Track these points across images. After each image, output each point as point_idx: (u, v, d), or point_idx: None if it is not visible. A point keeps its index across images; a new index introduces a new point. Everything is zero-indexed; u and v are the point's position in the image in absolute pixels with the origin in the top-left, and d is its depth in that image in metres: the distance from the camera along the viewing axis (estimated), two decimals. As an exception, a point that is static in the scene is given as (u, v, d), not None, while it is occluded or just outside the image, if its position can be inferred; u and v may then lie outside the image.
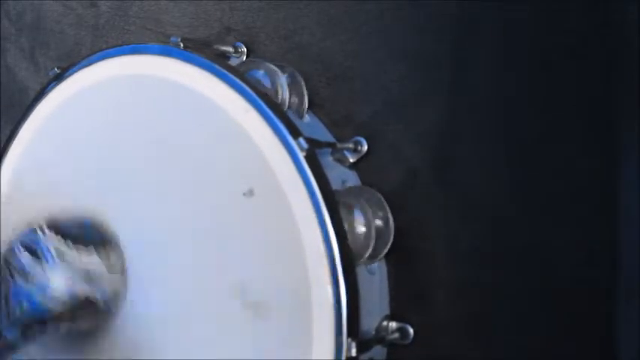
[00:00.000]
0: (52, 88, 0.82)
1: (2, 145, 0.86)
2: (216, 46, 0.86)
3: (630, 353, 0.70)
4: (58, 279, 0.72)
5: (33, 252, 0.72)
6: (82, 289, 0.73)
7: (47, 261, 0.72)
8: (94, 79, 0.80)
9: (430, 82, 0.79)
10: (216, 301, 0.71)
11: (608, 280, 0.70)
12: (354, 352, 0.65)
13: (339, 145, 0.79)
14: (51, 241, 0.72)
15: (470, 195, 0.76)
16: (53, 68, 0.83)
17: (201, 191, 0.73)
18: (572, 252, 0.72)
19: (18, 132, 0.84)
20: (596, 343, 0.71)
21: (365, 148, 0.80)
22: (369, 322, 0.74)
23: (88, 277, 0.73)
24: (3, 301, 0.71)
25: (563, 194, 0.72)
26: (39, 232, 0.73)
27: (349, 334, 0.65)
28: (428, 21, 0.78)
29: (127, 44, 0.79)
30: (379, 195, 0.78)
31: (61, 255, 0.72)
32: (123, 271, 0.76)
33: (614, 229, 0.70)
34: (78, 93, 0.81)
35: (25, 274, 0.71)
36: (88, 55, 0.81)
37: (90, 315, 0.75)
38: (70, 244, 0.73)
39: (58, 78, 0.82)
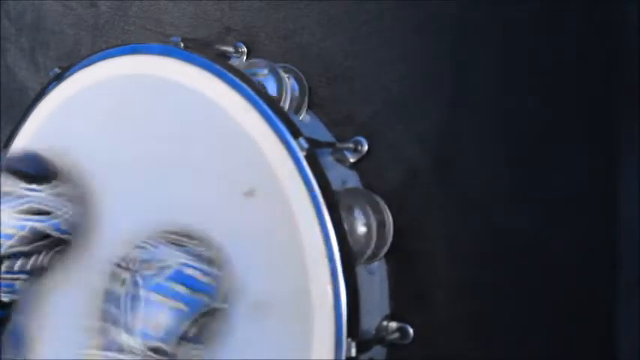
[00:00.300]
0: (52, 88, 0.82)
1: (2, 145, 0.86)
2: (216, 46, 0.86)
3: (630, 353, 0.70)
4: (4, 217, 0.70)
5: None
6: (31, 222, 0.71)
7: None
8: (94, 79, 0.80)
9: (430, 82, 0.79)
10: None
11: (608, 280, 0.70)
12: (353, 352, 0.65)
13: (339, 145, 0.79)
14: None
15: (470, 195, 0.77)
16: (53, 68, 0.83)
17: (201, 191, 0.73)
18: (572, 252, 0.72)
19: (18, 132, 0.84)
20: (596, 343, 0.71)
21: (365, 148, 0.80)
22: (369, 322, 0.74)
23: (34, 210, 0.71)
24: None
25: (563, 194, 0.72)
26: None
27: (349, 334, 0.65)
28: (428, 21, 0.78)
29: (126, 44, 0.79)
30: (379, 195, 0.78)
31: (7, 193, 0.70)
32: (80, 201, 0.74)
33: (614, 229, 0.70)
34: (78, 93, 0.81)
35: None
36: (88, 55, 0.81)
37: (46, 248, 0.74)
38: (10, 175, 0.71)
39: (58, 78, 0.82)
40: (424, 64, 0.79)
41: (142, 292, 0.66)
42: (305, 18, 0.85)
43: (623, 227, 0.70)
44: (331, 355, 0.65)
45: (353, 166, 0.80)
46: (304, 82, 0.83)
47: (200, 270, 0.67)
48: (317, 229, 0.66)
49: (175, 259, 0.67)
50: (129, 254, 0.68)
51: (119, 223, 0.77)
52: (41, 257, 0.73)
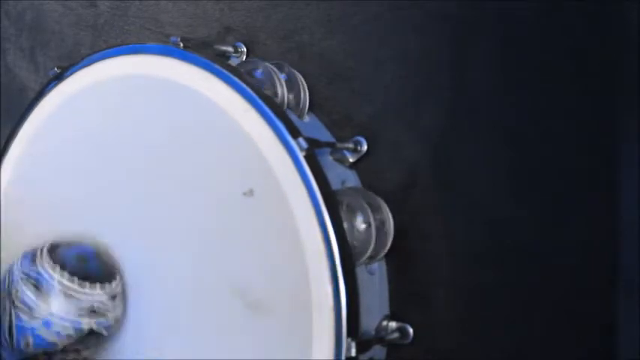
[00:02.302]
0: (52, 88, 0.82)
1: (2, 145, 0.86)
2: (216, 46, 0.86)
3: (630, 353, 0.70)
4: (62, 314, 0.72)
5: (35, 285, 0.72)
6: (87, 322, 0.73)
7: (50, 295, 0.72)
8: (94, 79, 0.80)
9: (430, 82, 0.78)
10: (216, 302, 0.71)
11: (608, 280, 0.70)
12: (353, 352, 0.65)
13: (338, 145, 0.79)
14: (54, 275, 0.72)
15: (470, 195, 0.76)
16: (53, 68, 0.83)
17: (201, 191, 0.73)
18: (572, 252, 0.72)
19: (18, 132, 0.84)
20: (596, 343, 0.71)
21: (365, 148, 0.80)
22: (369, 322, 0.74)
23: (92, 310, 0.73)
24: (7, 335, 0.72)
25: (563, 194, 0.72)
26: (40, 263, 0.73)
27: (349, 334, 0.65)
28: (428, 21, 0.78)
29: (126, 44, 0.79)
30: (379, 195, 0.78)
31: (64, 289, 0.72)
32: (124, 297, 0.76)
33: (614, 229, 0.70)
34: (78, 93, 0.81)
35: (28, 308, 0.71)
36: (88, 55, 0.81)
37: (93, 344, 0.75)
38: (75, 279, 0.72)
39: (58, 78, 0.82)
40: (424, 64, 0.79)
41: None
42: (305, 18, 0.85)
43: (623, 227, 0.70)
44: (331, 354, 0.65)
45: (353, 165, 0.80)
46: (303, 81, 0.83)
47: None
48: (316, 229, 0.66)
49: None
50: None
51: (115, 218, 0.77)
52: (89, 352, 0.76)
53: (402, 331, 0.77)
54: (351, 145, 0.80)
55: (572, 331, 0.72)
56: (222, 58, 0.84)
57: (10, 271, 0.74)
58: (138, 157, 0.77)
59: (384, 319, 0.77)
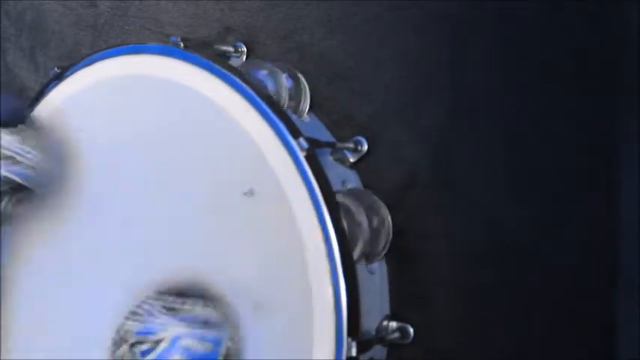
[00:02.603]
0: (52, 88, 0.82)
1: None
2: (216, 46, 0.86)
3: (630, 353, 0.70)
4: None
5: None
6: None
7: None
8: (94, 79, 0.80)
9: (430, 82, 0.79)
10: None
11: (608, 280, 0.70)
12: (354, 352, 0.65)
13: (339, 145, 0.79)
14: None
15: (470, 195, 0.77)
16: (53, 68, 0.83)
17: (201, 191, 0.73)
18: (572, 252, 0.72)
19: (18, 131, 0.84)
20: (596, 343, 0.71)
21: (365, 147, 0.80)
22: (370, 322, 0.74)
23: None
24: None
25: (563, 194, 0.73)
26: None
27: (349, 334, 0.65)
28: (428, 21, 0.78)
29: (126, 44, 0.79)
30: (379, 195, 0.78)
31: None
32: (44, 150, 0.75)
33: (614, 229, 0.70)
34: (78, 93, 0.81)
35: None
36: (88, 55, 0.81)
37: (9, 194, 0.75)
38: None
39: (58, 78, 0.82)
40: (424, 64, 0.79)
41: None
42: (305, 18, 0.85)
43: (623, 227, 0.70)
44: (332, 355, 0.65)
45: (353, 165, 0.80)
46: (304, 82, 0.83)
47: (196, 338, 0.67)
48: (317, 229, 0.66)
49: (169, 330, 0.67)
50: (124, 324, 0.69)
51: (115, 220, 0.77)
52: (3, 203, 0.74)
53: (402, 331, 0.77)
54: (351, 145, 0.80)
55: (572, 331, 0.72)
56: (223, 58, 0.84)
57: None
58: (138, 157, 0.77)
59: (384, 319, 0.77)
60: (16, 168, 0.73)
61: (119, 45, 0.80)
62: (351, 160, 0.80)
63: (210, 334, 0.68)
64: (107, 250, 0.77)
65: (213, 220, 0.72)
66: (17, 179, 0.73)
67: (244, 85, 0.72)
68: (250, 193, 0.69)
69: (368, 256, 0.75)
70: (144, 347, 0.67)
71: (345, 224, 0.72)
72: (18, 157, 0.73)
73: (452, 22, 0.77)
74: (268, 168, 0.69)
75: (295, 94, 0.82)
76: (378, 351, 0.76)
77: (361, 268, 0.73)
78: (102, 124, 0.79)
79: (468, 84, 0.77)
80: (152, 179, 0.75)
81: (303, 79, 0.83)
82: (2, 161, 0.72)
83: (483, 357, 0.76)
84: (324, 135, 0.81)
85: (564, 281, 0.72)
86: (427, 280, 0.78)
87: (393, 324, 0.77)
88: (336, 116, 0.83)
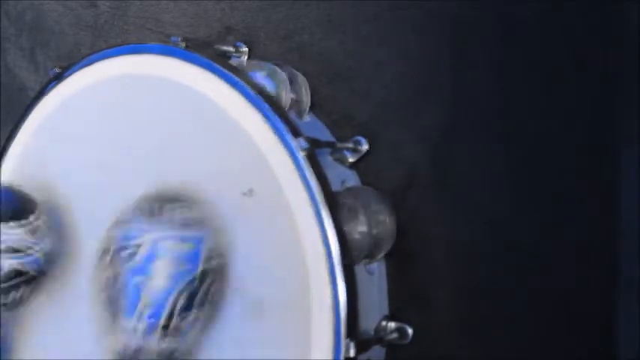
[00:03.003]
0: (52, 88, 0.82)
1: (2, 145, 0.86)
2: (216, 46, 0.86)
3: (630, 353, 0.70)
4: None
5: None
6: (8, 263, 0.72)
7: None
8: (94, 79, 0.80)
9: (430, 82, 0.79)
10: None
11: (608, 280, 0.70)
12: (352, 353, 0.65)
13: (338, 145, 0.79)
14: None
15: (470, 195, 0.76)
16: (53, 68, 0.83)
17: (200, 191, 0.73)
18: (572, 252, 0.72)
19: (18, 131, 0.84)
20: (596, 343, 0.71)
21: (365, 147, 0.80)
22: (368, 322, 0.74)
23: (12, 250, 0.72)
24: None
25: (563, 194, 0.73)
26: None
27: (348, 335, 0.65)
28: (428, 21, 0.78)
29: (126, 44, 0.79)
30: (379, 195, 0.78)
31: None
32: (52, 231, 0.75)
33: (614, 229, 0.70)
34: (78, 93, 0.81)
35: None
36: (88, 55, 0.81)
37: (25, 284, 0.75)
38: None
39: (58, 78, 0.82)
40: (424, 64, 0.79)
41: (122, 276, 0.68)
42: (305, 18, 0.85)
43: (623, 227, 0.70)
44: (330, 355, 0.65)
45: (353, 165, 0.80)
46: (305, 82, 0.83)
47: (175, 239, 0.68)
48: (316, 228, 0.66)
49: (148, 235, 0.68)
50: (109, 232, 0.71)
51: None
52: (20, 292, 0.75)
53: (401, 331, 0.77)
54: (351, 145, 0.80)
55: (572, 331, 0.72)
56: (223, 58, 0.84)
57: None
58: (138, 157, 0.77)
59: (383, 319, 0.77)
60: (26, 257, 0.73)
61: (119, 45, 0.80)
62: (351, 160, 0.80)
63: (190, 234, 0.68)
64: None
65: (213, 219, 0.72)
66: (31, 271, 0.74)
67: (245, 85, 0.72)
68: (250, 192, 0.69)
69: (368, 257, 0.75)
70: (126, 253, 0.69)
71: (348, 224, 0.72)
72: (29, 251, 0.73)
73: (452, 22, 0.77)
74: (268, 168, 0.69)
75: (296, 95, 0.82)
76: (377, 351, 0.76)
77: (360, 269, 0.73)
78: (102, 124, 0.79)
79: (468, 84, 0.77)
80: (152, 179, 0.75)
81: (303, 78, 0.83)
82: (13, 255, 0.72)
83: (483, 357, 0.76)
84: (324, 135, 0.81)
85: (564, 281, 0.72)
86: (426, 280, 0.78)
87: (392, 324, 0.77)
88: (336, 116, 0.83)
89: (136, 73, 0.78)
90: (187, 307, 0.67)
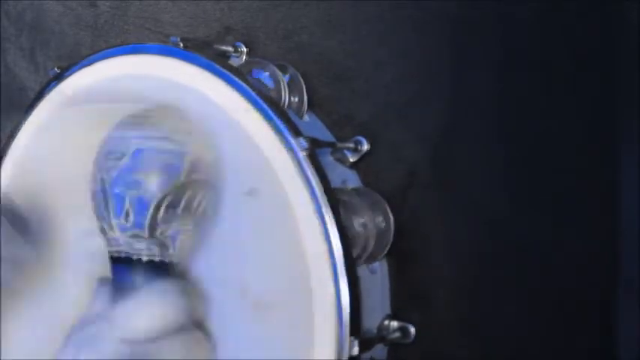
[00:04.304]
0: (52, 88, 0.82)
1: (2, 145, 0.85)
2: (216, 46, 0.86)
3: (630, 353, 0.70)
4: None
5: None
6: None
7: None
8: (94, 79, 0.80)
9: (430, 82, 0.79)
10: (217, 302, 0.71)
11: (608, 280, 0.70)
12: (355, 351, 0.65)
13: (339, 145, 0.79)
14: None
15: (470, 195, 0.77)
16: (53, 68, 0.83)
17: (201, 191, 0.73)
18: (572, 252, 0.72)
19: (17, 131, 0.84)
20: (596, 343, 0.71)
21: (365, 147, 0.80)
22: (371, 321, 0.74)
23: None
24: None
25: (563, 194, 0.73)
26: None
27: (351, 333, 0.65)
28: (428, 21, 0.78)
29: (126, 44, 0.79)
30: (379, 195, 0.78)
31: None
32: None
33: (614, 229, 0.70)
34: (78, 93, 0.81)
35: None
36: (88, 55, 0.81)
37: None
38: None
39: (58, 78, 0.82)
40: (424, 64, 0.79)
41: (107, 189, 0.71)
42: (305, 18, 0.85)
43: (623, 227, 0.70)
44: (333, 354, 0.65)
45: (353, 165, 0.80)
46: (302, 81, 0.83)
47: (156, 149, 0.70)
48: (318, 228, 0.66)
49: (128, 145, 0.71)
50: (100, 150, 0.73)
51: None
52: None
53: (403, 330, 0.77)
54: (351, 145, 0.80)
55: (572, 331, 0.72)
56: (223, 58, 0.84)
57: None
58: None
59: (385, 318, 0.77)
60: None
61: (119, 45, 0.80)
62: (352, 159, 0.80)
63: (173, 146, 0.70)
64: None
65: (214, 220, 0.72)
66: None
67: (244, 85, 0.72)
68: (251, 192, 0.69)
69: (369, 256, 0.75)
70: (112, 157, 0.72)
71: (349, 223, 0.72)
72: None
73: (452, 22, 0.77)
74: (268, 168, 0.69)
75: (295, 94, 0.82)
76: (379, 350, 0.76)
77: (362, 268, 0.73)
78: (100, 124, 0.79)
79: (468, 84, 0.77)
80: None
81: (301, 78, 0.83)
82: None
83: (483, 357, 0.76)
84: (325, 135, 0.81)
85: (564, 281, 0.72)
86: (427, 279, 0.78)
87: (394, 323, 0.77)
88: (337, 116, 0.83)
89: (136, 73, 0.78)
90: (170, 213, 0.70)
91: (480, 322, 0.76)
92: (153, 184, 0.70)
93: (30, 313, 0.79)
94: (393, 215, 0.78)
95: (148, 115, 0.72)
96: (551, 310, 0.73)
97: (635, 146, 0.70)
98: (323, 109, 0.83)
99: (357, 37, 0.82)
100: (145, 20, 0.95)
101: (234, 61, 0.86)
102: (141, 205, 0.70)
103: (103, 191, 0.72)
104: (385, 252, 0.77)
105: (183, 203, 0.70)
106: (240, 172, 0.70)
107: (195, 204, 0.71)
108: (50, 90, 0.82)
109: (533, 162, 0.74)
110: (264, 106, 0.70)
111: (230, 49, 0.87)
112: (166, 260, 0.71)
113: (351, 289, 0.65)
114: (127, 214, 0.70)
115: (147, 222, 0.70)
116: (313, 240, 0.66)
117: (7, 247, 0.77)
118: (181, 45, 0.76)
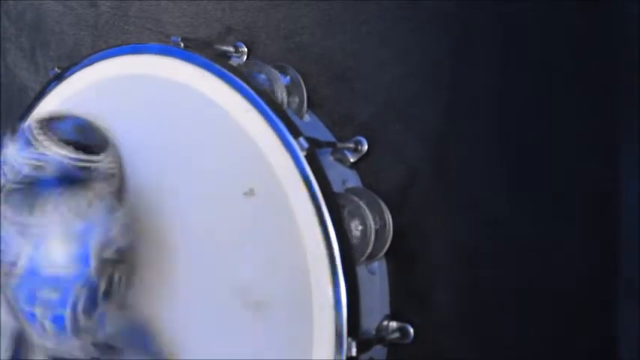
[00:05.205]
0: (52, 88, 0.82)
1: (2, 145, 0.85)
2: (216, 46, 0.86)
3: (630, 353, 0.70)
4: None
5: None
6: None
7: None
8: (94, 79, 0.80)
9: (430, 82, 0.79)
10: (217, 302, 0.71)
11: (608, 280, 0.70)
12: (354, 352, 0.65)
13: (339, 145, 0.79)
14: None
15: (470, 195, 0.77)
16: (53, 68, 0.83)
17: (201, 191, 0.73)
18: (572, 252, 0.72)
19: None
20: (596, 343, 0.71)
21: (365, 147, 0.80)
22: (370, 322, 0.74)
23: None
24: None
25: (563, 194, 0.73)
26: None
27: (349, 334, 0.65)
28: (428, 21, 0.78)
29: (126, 44, 0.79)
30: (379, 195, 0.78)
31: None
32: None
33: (614, 229, 0.70)
34: (78, 93, 0.81)
35: None
36: (88, 55, 0.81)
37: None
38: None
39: (58, 78, 0.82)
40: (424, 64, 0.79)
41: (10, 294, 0.62)
42: (305, 18, 0.85)
43: (623, 227, 0.70)
44: (331, 354, 0.65)
45: (353, 165, 0.80)
46: (302, 81, 0.83)
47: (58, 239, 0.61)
48: (317, 228, 0.66)
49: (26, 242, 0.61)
50: None
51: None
52: None
53: (402, 330, 0.77)
54: (351, 145, 0.80)
55: (573, 331, 0.72)
56: (223, 58, 0.84)
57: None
58: (138, 157, 0.77)
59: (384, 318, 0.77)
60: None
61: (119, 45, 0.80)
62: (352, 159, 0.80)
63: (74, 229, 0.61)
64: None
65: (214, 220, 0.72)
66: None
67: (245, 85, 0.72)
68: (251, 192, 0.69)
69: (369, 256, 0.75)
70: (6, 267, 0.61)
71: (348, 224, 0.72)
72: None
73: (452, 22, 0.77)
74: (269, 168, 0.69)
75: (295, 95, 0.82)
76: (378, 351, 0.76)
77: (361, 268, 0.73)
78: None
79: (468, 84, 0.77)
80: (151, 179, 0.75)
81: (302, 79, 0.83)
82: None
83: (483, 357, 0.76)
84: (325, 135, 0.81)
85: (564, 281, 0.72)
86: (427, 279, 0.78)
87: (393, 324, 0.77)
88: (337, 116, 0.83)
89: (136, 73, 0.78)
90: (90, 307, 0.61)
91: (480, 322, 0.76)
92: (59, 286, 0.60)
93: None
94: (393, 215, 0.78)
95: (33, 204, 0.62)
96: (551, 310, 0.73)
97: (635, 146, 0.70)
98: (323, 109, 0.83)
99: (357, 37, 0.82)
100: (145, 20, 0.95)
101: (235, 61, 0.86)
102: (54, 312, 0.60)
103: (11, 305, 0.62)
104: (384, 252, 0.77)
105: (102, 290, 0.62)
106: (239, 173, 0.71)
107: (116, 281, 0.63)
108: (50, 90, 0.82)
109: (533, 162, 0.74)
110: (264, 106, 0.70)
111: (231, 49, 0.87)
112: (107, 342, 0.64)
113: (349, 289, 0.65)
114: (48, 333, 0.61)
115: (68, 327, 0.61)
116: (312, 240, 0.66)
117: None
118: (182, 45, 0.76)
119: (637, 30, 0.70)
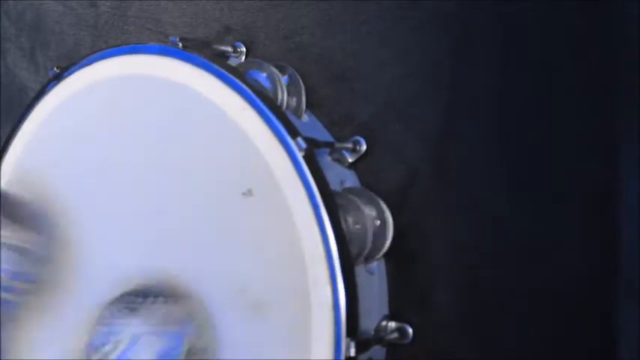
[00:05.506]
0: (52, 87, 0.82)
1: (2, 145, 0.86)
2: (215, 46, 0.86)
3: (630, 353, 0.70)
4: None
5: None
6: None
7: None
8: (94, 79, 0.80)
9: (430, 82, 0.78)
10: (215, 302, 0.71)
11: (608, 281, 0.70)
12: (352, 352, 0.65)
13: (337, 145, 0.79)
14: None
15: (470, 195, 0.76)
16: (53, 68, 0.83)
17: (199, 191, 0.73)
18: (572, 252, 0.72)
19: (17, 131, 0.84)
20: (596, 343, 0.71)
21: (364, 147, 0.80)
22: (368, 322, 0.74)
23: None
24: None
25: (563, 194, 0.72)
26: None
27: (348, 334, 0.65)
28: (428, 21, 0.78)
29: (126, 44, 0.79)
30: (379, 195, 0.78)
31: None
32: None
33: (614, 229, 0.70)
34: (78, 93, 0.81)
35: None
36: (88, 55, 0.81)
37: None
38: None
39: (58, 78, 0.82)
40: (424, 64, 0.79)
41: None
42: (305, 18, 0.85)
43: (623, 227, 0.70)
44: (330, 355, 0.65)
45: (352, 165, 0.80)
46: (301, 81, 0.83)
47: (155, 335, 0.67)
48: (315, 228, 0.66)
49: (128, 330, 0.68)
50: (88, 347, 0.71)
51: (114, 219, 0.77)
52: None
53: (401, 331, 0.77)
54: (350, 145, 0.80)
55: (572, 331, 0.72)
56: (222, 58, 0.84)
57: None
58: (136, 157, 0.77)
59: (383, 319, 0.77)
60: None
61: (119, 45, 0.80)
62: (350, 160, 0.80)
63: (171, 330, 0.68)
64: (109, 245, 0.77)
65: (212, 220, 0.72)
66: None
67: (243, 85, 0.72)
68: (248, 193, 0.69)
69: (367, 256, 0.75)
70: (107, 349, 0.69)
71: (346, 223, 0.72)
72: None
73: (452, 22, 0.77)
74: (266, 168, 0.69)
75: (294, 94, 0.82)
76: (377, 351, 0.76)
77: (360, 268, 0.73)
78: (101, 124, 0.79)
79: (468, 84, 0.77)
80: (151, 179, 0.75)
81: (301, 79, 0.83)
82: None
83: (483, 357, 0.76)
84: (323, 135, 0.81)
85: (564, 281, 0.72)
86: (427, 280, 0.78)
87: (392, 324, 0.77)
88: (336, 116, 0.83)
89: (136, 73, 0.78)
90: None
91: (480, 322, 0.76)
92: None
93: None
94: (393, 215, 0.78)
95: (134, 307, 0.70)
96: (551, 310, 0.73)
97: (635, 146, 0.70)
98: (323, 109, 0.83)
99: (357, 37, 0.82)
100: (145, 20, 0.95)
101: (234, 61, 0.86)
102: None
103: None
104: (383, 252, 0.77)
105: None
106: (237, 173, 0.70)
107: None
108: (50, 90, 0.83)
109: (533, 162, 0.73)
110: (262, 106, 0.70)
111: (229, 49, 0.87)
112: None
113: (348, 289, 0.65)
114: None
115: None
116: (310, 240, 0.66)
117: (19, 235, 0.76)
118: (180, 45, 0.76)
119: (637, 30, 0.70)
